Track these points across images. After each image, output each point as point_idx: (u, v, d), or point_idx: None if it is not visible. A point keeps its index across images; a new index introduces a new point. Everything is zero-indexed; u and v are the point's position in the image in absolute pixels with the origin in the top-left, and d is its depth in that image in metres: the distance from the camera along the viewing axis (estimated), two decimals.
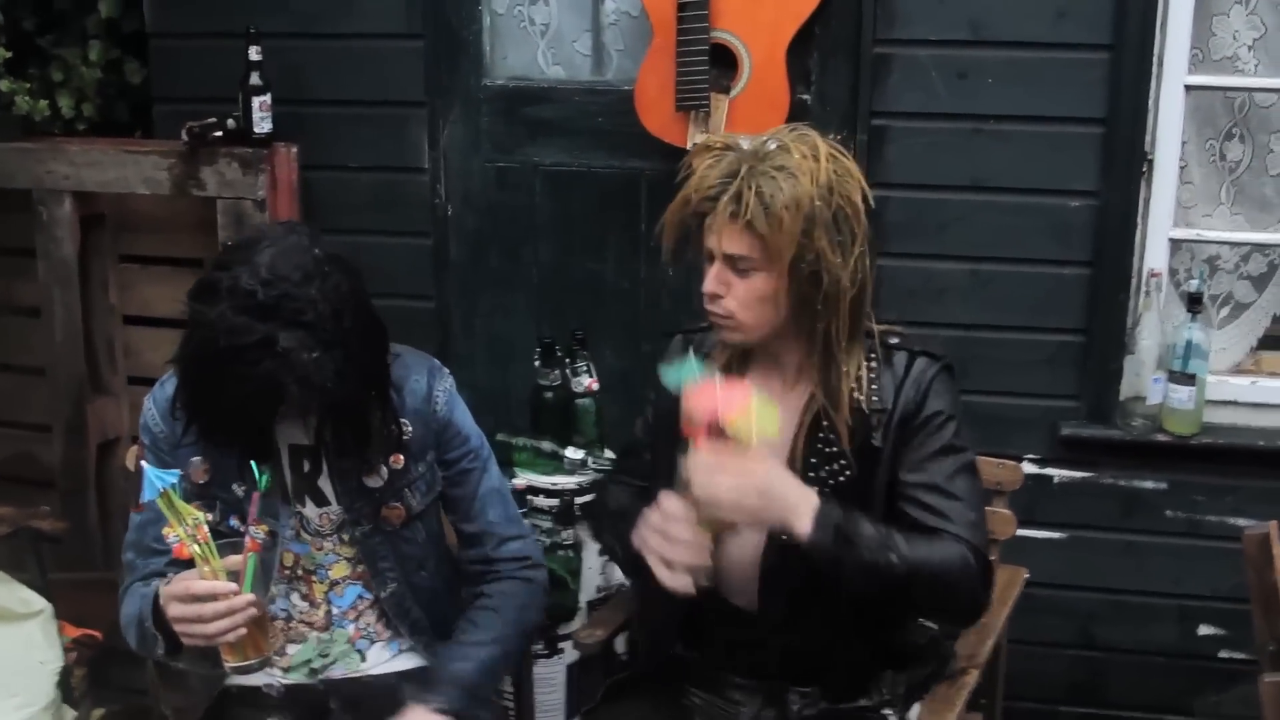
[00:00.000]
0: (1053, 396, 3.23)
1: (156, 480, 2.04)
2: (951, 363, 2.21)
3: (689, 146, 3.11)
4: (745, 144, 2.10)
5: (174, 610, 2.10)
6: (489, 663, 2.37)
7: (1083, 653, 3.35)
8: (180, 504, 2.07)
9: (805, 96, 3.20)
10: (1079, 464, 3.25)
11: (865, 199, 2.10)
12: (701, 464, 2.00)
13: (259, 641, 2.12)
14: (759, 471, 2.01)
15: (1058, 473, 3.26)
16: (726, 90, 3.11)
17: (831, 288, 2.07)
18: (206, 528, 2.09)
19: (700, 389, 2.04)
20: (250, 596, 2.07)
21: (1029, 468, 3.21)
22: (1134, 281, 3.15)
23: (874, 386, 2.16)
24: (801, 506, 2.02)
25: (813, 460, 2.17)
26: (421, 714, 2.26)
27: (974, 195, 3.16)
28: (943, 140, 3.15)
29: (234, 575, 2.08)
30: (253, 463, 2.20)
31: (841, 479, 2.16)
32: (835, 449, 2.16)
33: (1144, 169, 3.09)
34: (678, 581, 2.01)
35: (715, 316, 2.15)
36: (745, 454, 1.99)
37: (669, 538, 2.03)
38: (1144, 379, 3.16)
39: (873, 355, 2.18)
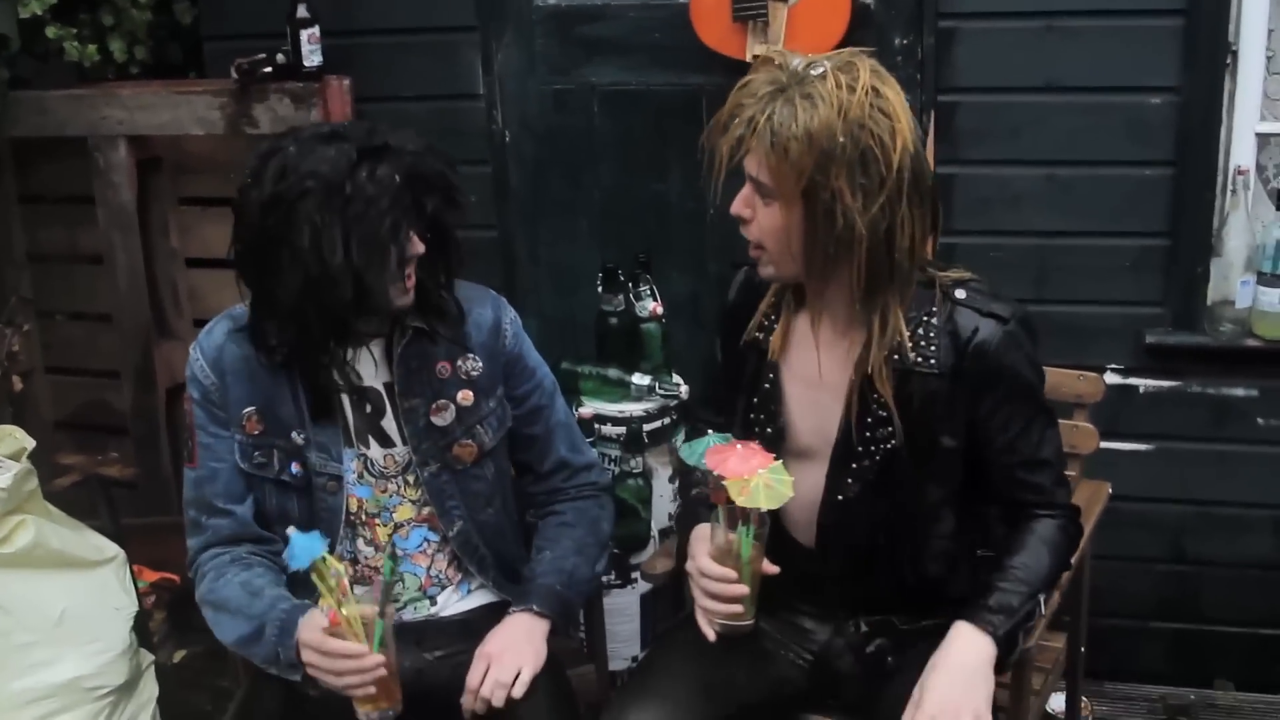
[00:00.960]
0: (1136, 304, 3.12)
1: (304, 553, 2.03)
2: (1025, 317, 2.09)
3: (748, 59, 3.03)
4: (795, 62, 1.99)
5: (308, 657, 2.09)
6: (577, 574, 2.38)
7: (1173, 567, 3.26)
8: (325, 570, 2.05)
9: (868, 1, 3.08)
10: (1165, 373, 3.15)
11: (907, 146, 1.95)
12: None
13: (391, 692, 2.11)
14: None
15: (1143, 382, 3.16)
16: None
17: (845, 232, 1.95)
18: (347, 581, 2.07)
19: (721, 451, 2.03)
20: (379, 658, 2.06)
21: (1113, 378, 3.12)
22: (1219, 180, 3.03)
23: (931, 348, 2.06)
24: (970, 653, 2.00)
25: (867, 421, 2.10)
26: (525, 619, 2.27)
27: (1048, 97, 3.05)
28: (1013, 40, 3.03)
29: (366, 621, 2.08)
30: (388, 559, 2.20)
31: (888, 446, 2.09)
32: (885, 413, 2.08)
33: (1228, 61, 2.96)
34: (724, 631, 2.09)
35: (749, 244, 2.08)
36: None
37: (711, 595, 2.07)
38: (1232, 282, 3.05)
39: (934, 311, 2.07)
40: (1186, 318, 3.09)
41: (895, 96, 1.97)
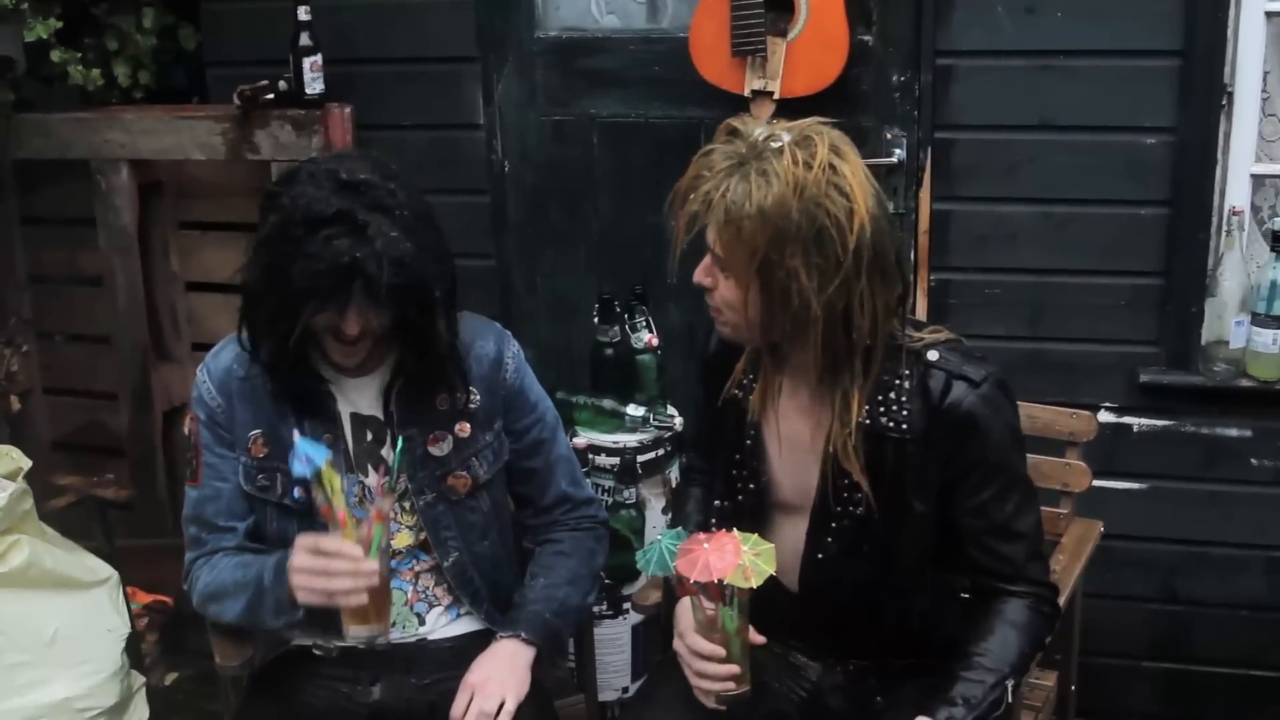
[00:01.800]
0: (1131, 342, 3.11)
1: (309, 456, 2.06)
2: (1000, 380, 2.03)
3: (746, 94, 3.05)
4: (757, 132, 1.95)
5: (300, 560, 2.10)
6: (567, 603, 2.38)
7: (1165, 607, 3.24)
8: (330, 475, 2.08)
9: (866, 37, 3.10)
10: (1159, 412, 3.13)
11: (864, 225, 1.89)
12: None
13: (382, 611, 2.12)
14: None
15: (1137, 421, 3.15)
16: (784, 33, 3.01)
17: (801, 311, 1.92)
18: (344, 511, 2.09)
19: (687, 553, 1.98)
20: (374, 565, 2.07)
21: (1107, 416, 3.12)
22: (1214, 220, 3.02)
23: (903, 412, 2.03)
24: None
25: (844, 482, 2.07)
26: (511, 646, 2.27)
27: (1044, 135, 3.05)
28: (1011, 78, 3.04)
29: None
30: (400, 439, 2.21)
31: (858, 512, 2.07)
32: (855, 479, 2.06)
33: (1224, 102, 2.95)
34: (721, 702, 2.07)
35: (711, 306, 2.06)
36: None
37: (701, 674, 2.06)
38: (1226, 322, 3.04)
39: (905, 374, 2.03)
40: (1181, 357, 3.09)
41: (854, 173, 1.92)
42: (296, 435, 2.12)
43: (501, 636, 2.29)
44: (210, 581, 2.30)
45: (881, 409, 2.03)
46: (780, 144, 1.92)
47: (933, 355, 2.04)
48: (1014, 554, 2.07)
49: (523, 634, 2.28)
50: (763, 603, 2.06)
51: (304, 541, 2.11)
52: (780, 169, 1.89)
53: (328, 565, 2.07)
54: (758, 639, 2.07)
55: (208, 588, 2.30)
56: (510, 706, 2.18)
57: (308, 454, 2.08)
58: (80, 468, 3.69)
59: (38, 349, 3.83)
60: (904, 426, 2.03)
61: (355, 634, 2.12)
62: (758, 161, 1.91)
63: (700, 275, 2.03)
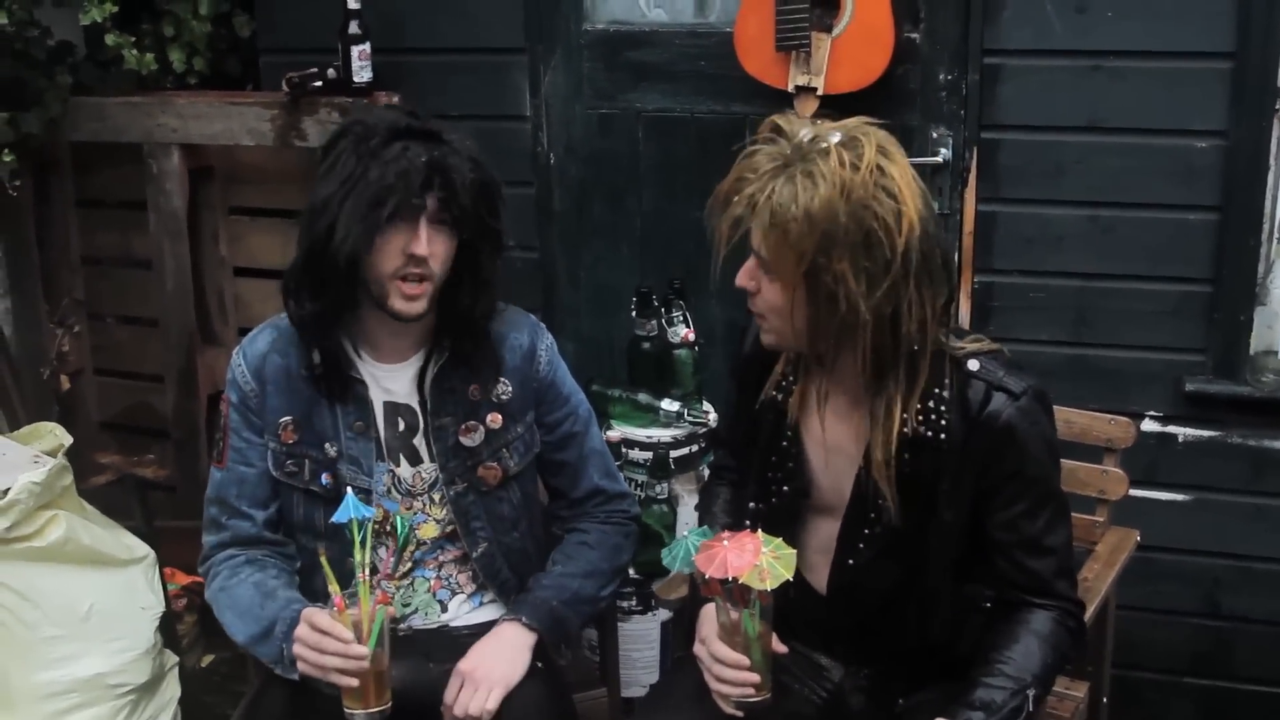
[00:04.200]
0: (1177, 350, 3.06)
1: (355, 510, 2.06)
2: (1040, 393, 2.01)
3: (790, 89, 3.03)
4: (803, 133, 1.91)
5: (299, 632, 2.11)
6: (580, 594, 2.37)
7: (1207, 621, 3.18)
8: (362, 543, 2.07)
9: (913, 35, 3.06)
10: (1205, 422, 3.07)
11: (913, 227, 1.87)
12: None
13: (380, 692, 2.10)
14: None
15: (1182, 431, 3.09)
16: (829, 29, 2.99)
17: (849, 316, 1.88)
18: (369, 571, 2.09)
19: (708, 550, 1.96)
20: (364, 650, 2.05)
21: (1151, 425, 3.07)
22: (1265, 226, 2.96)
23: (941, 421, 2.00)
24: None
25: (878, 494, 2.04)
26: (511, 630, 2.27)
27: (1093, 137, 3.00)
28: (1059, 78, 2.99)
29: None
30: (397, 515, 2.24)
31: (886, 521, 2.05)
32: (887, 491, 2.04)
33: (1277, 105, 2.89)
34: (740, 708, 2.03)
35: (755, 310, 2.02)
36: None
37: (721, 679, 2.03)
38: (1276, 331, 3.00)
39: (946, 384, 2.00)
40: (1228, 366, 3.02)
41: (901, 174, 1.89)
42: (349, 490, 2.14)
43: (504, 619, 2.30)
44: (226, 588, 2.31)
45: (920, 417, 2.00)
46: (826, 145, 1.88)
47: (973, 365, 2.01)
48: (1043, 569, 2.04)
49: (524, 618, 2.28)
50: (791, 602, 2.05)
51: (307, 614, 2.11)
52: (827, 171, 1.85)
53: (320, 643, 2.07)
54: (780, 647, 2.05)
55: (222, 594, 2.31)
56: (496, 698, 2.18)
57: (352, 504, 2.07)
58: (126, 448, 3.74)
59: (89, 330, 3.89)
60: (942, 436, 2.00)
61: (351, 712, 2.09)
62: (803, 163, 1.87)
63: (744, 279, 1.99)
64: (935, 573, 2.08)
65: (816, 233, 1.85)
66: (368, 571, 2.08)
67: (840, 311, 1.89)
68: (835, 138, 1.89)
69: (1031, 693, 1.97)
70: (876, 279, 1.87)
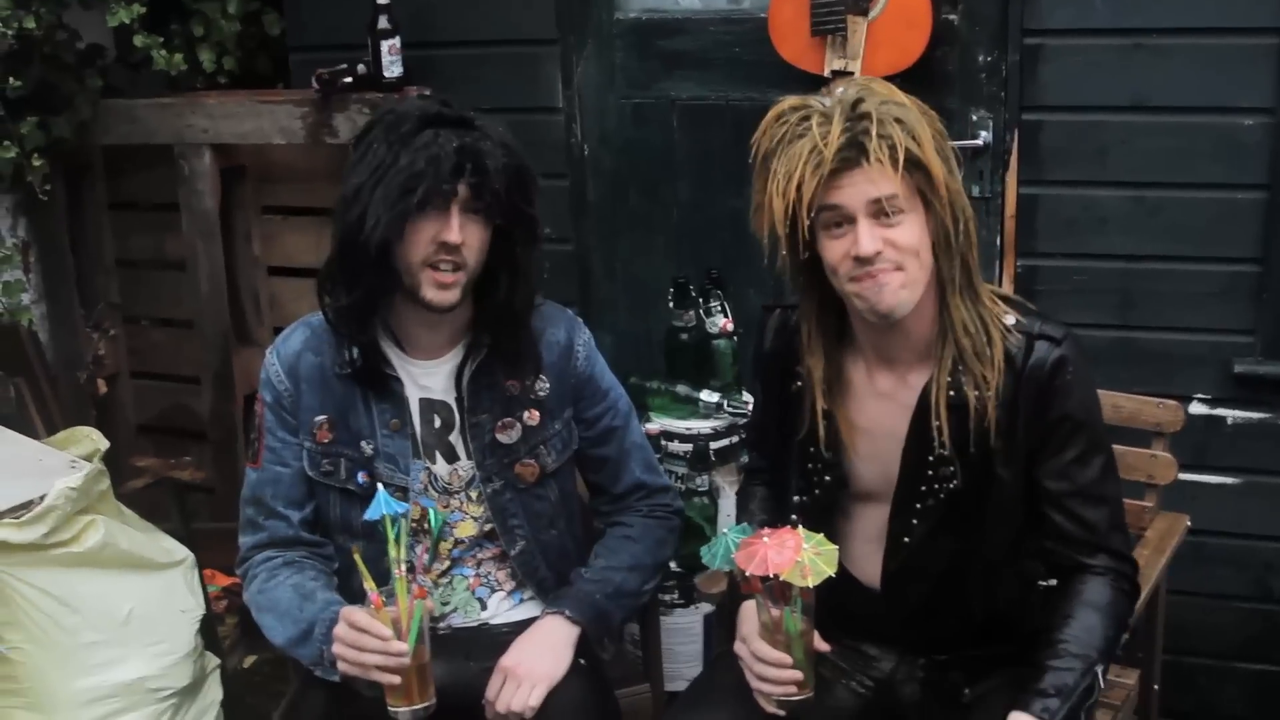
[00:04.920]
0: (1225, 331, 3.01)
1: (387, 506, 2.04)
2: (1075, 337, 2.03)
3: (826, 74, 2.99)
4: (825, 101, 1.93)
5: (337, 630, 2.09)
6: (623, 588, 2.35)
7: (1259, 606, 3.12)
8: (397, 539, 2.06)
9: (951, 16, 3.02)
10: (1255, 404, 3.02)
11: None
12: None
13: (423, 689, 2.08)
14: None
15: (1231, 413, 3.03)
16: (864, 12, 2.95)
17: (964, 223, 1.94)
18: (405, 567, 2.07)
19: (748, 547, 1.94)
20: (404, 647, 2.03)
21: (1199, 408, 3.02)
22: None
23: (985, 378, 1.98)
24: None
25: (928, 460, 2.03)
26: (554, 624, 2.25)
27: (1137, 116, 2.95)
28: (1101, 58, 2.94)
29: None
30: (431, 509, 2.21)
31: (951, 485, 2.03)
32: (946, 452, 2.01)
33: None
34: (782, 706, 2.02)
35: (876, 280, 1.93)
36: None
37: (763, 678, 2.01)
38: None
39: (986, 341, 1.99)
40: (1277, 347, 2.97)
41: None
42: (380, 486, 2.12)
43: (546, 613, 2.28)
44: (265, 590, 2.29)
45: (965, 377, 1.99)
46: (858, 89, 1.93)
47: (1009, 319, 2.02)
48: (1098, 520, 2.03)
49: (566, 611, 2.25)
50: (837, 602, 2.02)
51: (345, 612, 2.10)
52: (896, 97, 1.92)
53: (360, 641, 2.05)
54: (823, 645, 2.03)
55: (261, 596, 2.29)
56: (539, 695, 2.15)
57: (384, 500, 2.05)
58: (164, 451, 3.74)
59: (124, 333, 3.89)
60: (989, 393, 1.98)
61: (395, 709, 2.07)
62: (867, 103, 1.89)
63: (870, 244, 1.91)
64: (994, 543, 2.07)
65: (929, 140, 1.90)
66: (404, 568, 2.06)
67: (962, 220, 1.94)
68: (854, 85, 1.96)
69: (1099, 668, 1.96)
70: (955, 175, 1.94)
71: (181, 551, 3.01)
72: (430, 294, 2.17)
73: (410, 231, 2.12)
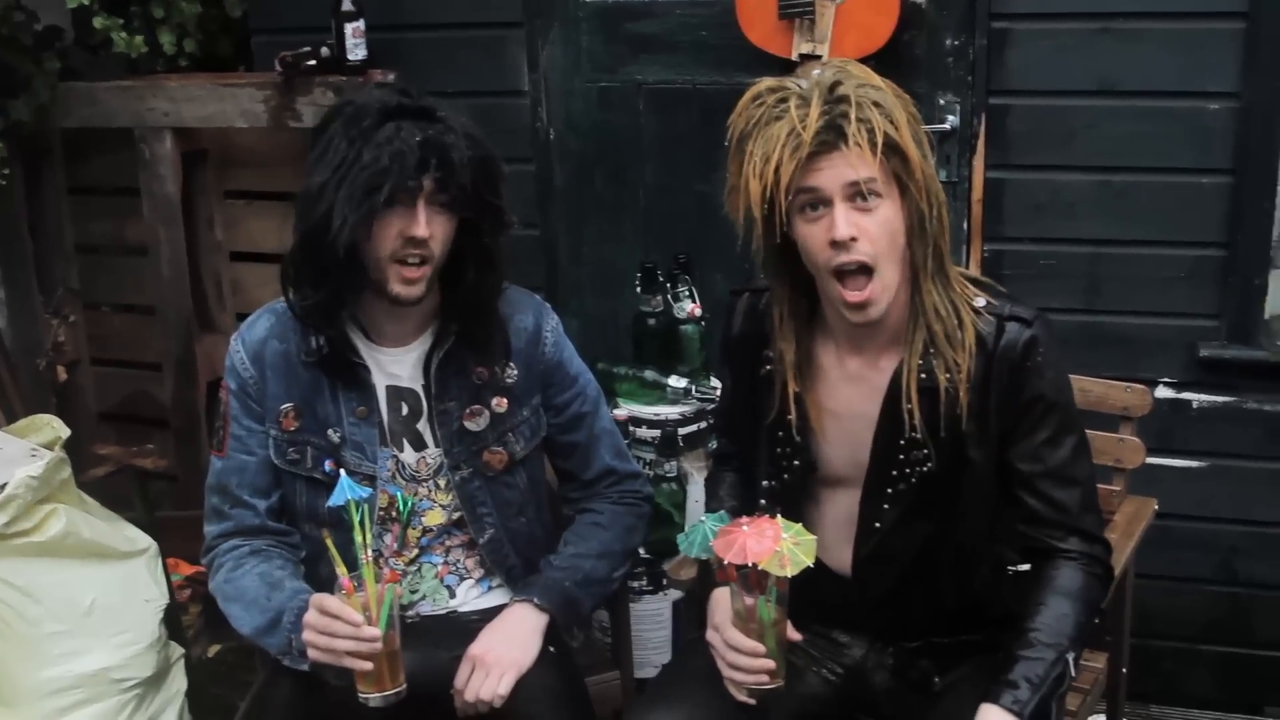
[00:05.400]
0: (1191, 315, 3.03)
1: (350, 492, 2.02)
2: (1046, 318, 2.02)
3: (794, 57, 2.98)
4: (803, 83, 1.91)
5: (307, 618, 2.06)
6: (593, 575, 2.34)
7: (1224, 589, 3.15)
8: (361, 524, 2.03)
9: (919, 0, 3.01)
10: (1219, 387, 3.04)
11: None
12: None
13: (394, 675, 2.06)
14: None
15: (1196, 397, 3.06)
16: None
17: (940, 209, 1.93)
18: (371, 553, 2.05)
19: (727, 535, 1.92)
20: (376, 632, 2.01)
21: (1165, 392, 3.04)
22: None
23: (956, 361, 1.98)
24: None
25: (900, 444, 2.02)
26: (522, 611, 2.23)
27: (1103, 100, 2.96)
28: (1068, 41, 2.95)
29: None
30: (399, 495, 2.20)
31: (923, 469, 2.02)
32: (918, 435, 2.00)
33: None
34: (753, 695, 2.00)
35: (851, 266, 1.92)
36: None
37: (735, 666, 2.00)
38: None
39: (957, 324, 1.98)
40: (1243, 331, 2.99)
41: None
42: (342, 472, 2.10)
43: (515, 600, 2.26)
44: (231, 580, 2.26)
45: (936, 360, 1.98)
46: (834, 70, 1.92)
47: (979, 302, 2.02)
48: (1069, 501, 2.02)
49: (535, 599, 2.24)
50: (808, 589, 1.99)
51: (315, 599, 2.07)
52: (873, 80, 1.91)
53: (330, 626, 2.02)
54: (795, 635, 2.02)
55: (228, 585, 2.27)
56: (508, 682, 2.14)
57: (347, 486, 2.03)
58: (126, 438, 3.69)
59: (85, 319, 3.85)
60: (960, 376, 1.98)
61: (365, 695, 2.05)
62: (843, 86, 1.88)
63: (846, 229, 1.89)
64: (966, 528, 2.06)
65: (906, 125, 1.89)
66: (370, 553, 2.04)
67: (935, 205, 1.93)
68: (830, 67, 1.95)
69: (1070, 656, 1.96)
70: (929, 159, 1.93)
71: (144, 540, 2.98)
72: (397, 288, 2.16)
73: (377, 228, 2.10)
